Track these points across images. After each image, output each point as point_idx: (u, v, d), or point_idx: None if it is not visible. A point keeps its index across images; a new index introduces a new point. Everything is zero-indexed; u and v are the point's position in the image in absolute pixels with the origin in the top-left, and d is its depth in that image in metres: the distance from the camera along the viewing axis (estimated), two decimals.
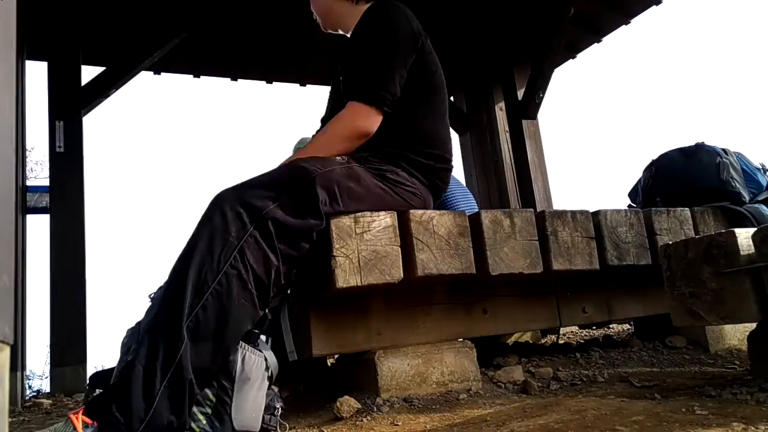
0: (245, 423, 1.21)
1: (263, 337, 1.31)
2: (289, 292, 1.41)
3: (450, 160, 1.70)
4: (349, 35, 1.73)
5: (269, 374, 1.29)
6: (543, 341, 2.86)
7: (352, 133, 1.49)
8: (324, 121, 1.86)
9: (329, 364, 2.25)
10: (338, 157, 1.45)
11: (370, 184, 1.46)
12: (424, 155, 1.59)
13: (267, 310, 1.30)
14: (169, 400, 1.09)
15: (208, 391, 1.19)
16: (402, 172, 1.55)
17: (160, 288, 1.31)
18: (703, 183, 2.16)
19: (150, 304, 1.28)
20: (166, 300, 1.17)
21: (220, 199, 1.26)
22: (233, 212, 1.23)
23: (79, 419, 1.07)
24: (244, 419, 1.21)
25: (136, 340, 1.19)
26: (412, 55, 1.56)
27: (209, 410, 1.19)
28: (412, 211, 1.50)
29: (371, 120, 1.49)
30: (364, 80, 1.50)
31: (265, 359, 1.28)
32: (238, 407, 1.20)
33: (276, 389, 1.37)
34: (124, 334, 1.27)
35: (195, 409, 1.17)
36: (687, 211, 1.97)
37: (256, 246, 1.22)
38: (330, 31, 1.81)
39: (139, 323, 1.25)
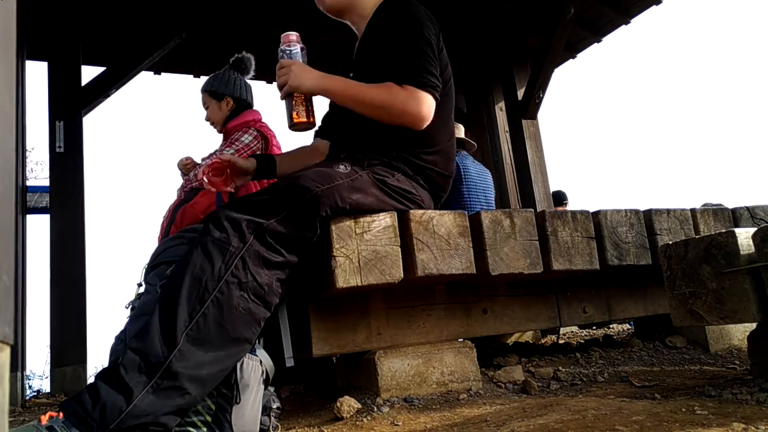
0: (245, 429, 1.21)
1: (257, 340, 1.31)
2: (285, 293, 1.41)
3: (451, 169, 1.68)
4: (358, 29, 1.69)
5: (264, 377, 1.29)
6: (543, 341, 2.86)
7: (407, 118, 1.45)
8: (320, 132, 1.85)
9: (334, 361, 2.25)
10: (341, 167, 1.43)
11: (375, 194, 1.46)
12: (425, 160, 1.57)
13: None
14: (150, 405, 1.08)
15: (207, 400, 1.18)
16: (403, 176, 1.54)
17: (139, 296, 1.31)
18: None
19: (132, 313, 1.28)
20: (162, 306, 1.16)
21: (218, 212, 1.27)
22: (232, 224, 1.24)
23: (47, 416, 1.07)
24: (244, 425, 1.21)
25: (123, 348, 1.18)
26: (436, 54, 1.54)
27: (209, 418, 1.18)
28: (412, 211, 1.50)
29: (429, 106, 1.45)
30: (416, 67, 1.45)
31: (260, 362, 1.27)
32: (238, 414, 1.20)
33: (272, 390, 1.37)
34: (113, 341, 1.26)
35: (194, 418, 1.17)
36: (687, 211, 1.97)
37: (256, 256, 1.23)
38: (330, 14, 1.71)
39: (124, 331, 1.24)
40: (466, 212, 1.60)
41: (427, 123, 1.48)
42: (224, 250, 1.20)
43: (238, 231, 1.23)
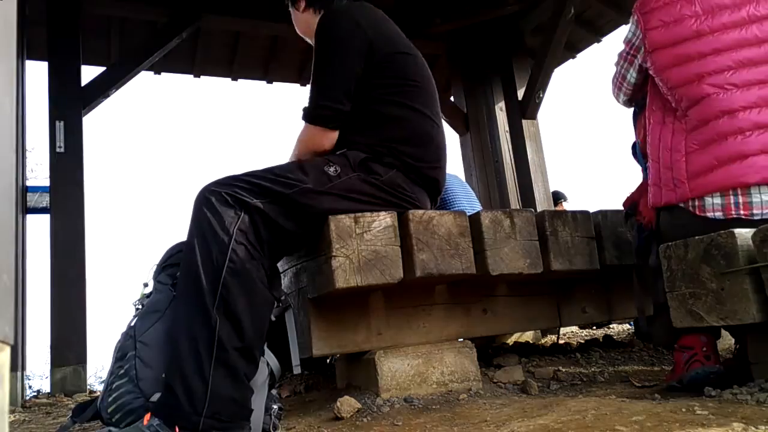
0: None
1: None
2: (287, 297, 1.42)
3: (443, 159, 1.66)
4: None
5: (269, 380, 1.29)
6: (543, 341, 2.86)
7: (309, 152, 1.56)
8: None
9: (328, 362, 2.25)
10: (331, 169, 1.45)
11: (361, 196, 1.47)
12: (413, 156, 1.54)
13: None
14: (224, 377, 1.15)
15: None
16: (396, 172, 1.52)
17: (146, 295, 1.33)
18: None
19: (140, 310, 1.29)
20: (184, 294, 1.22)
21: (206, 193, 1.30)
22: (221, 202, 1.28)
23: (145, 419, 1.12)
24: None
25: (132, 343, 1.21)
26: (362, 61, 1.54)
27: None
28: (412, 211, 1.50)
29: (323, 139, 1.55)
30: (312, 101, 1.56)
31: (267, 363, 1.28)
32: None
33: (273, 391, 1.37)
34: (119, 338, 1.27)
35: None
36: None
37: (251, 226, 1.28)
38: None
39: (132, 327, 1.25)
40: (465, 212, 1.60)
41: (329, 149, 1.56)
42: (222, 224, 1.25)
43: (230, 207, 1.28)
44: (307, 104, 1.57)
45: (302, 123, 1.59)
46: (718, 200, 1.43)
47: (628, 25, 1.69)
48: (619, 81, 1.75)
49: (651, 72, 1.60)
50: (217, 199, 1.28)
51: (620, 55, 1.72)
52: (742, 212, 1.41)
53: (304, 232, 1.41)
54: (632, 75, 1.70)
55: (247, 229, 1.27)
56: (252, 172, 1.38)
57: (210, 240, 1.23)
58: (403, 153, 1.54)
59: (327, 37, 1.57)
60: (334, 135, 1.56)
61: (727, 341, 1.99)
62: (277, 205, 1.33)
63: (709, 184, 1.43)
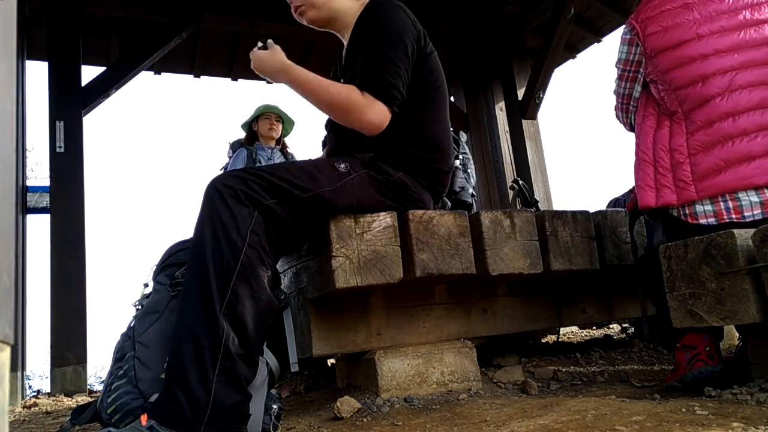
0: (248, 429, 1.21)
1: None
2: (287, 297, 1.42)
3: (449, 164, 1.66)
4: (343, 36, 1.68)
5: (269, 380, 1.29)
6: (543, 341, 2.86)
7: (361, 124, 1.45)
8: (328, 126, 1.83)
9: (329, 364, 2.25)
10: (342, 165, 1.43)
11: (372, 194, 1.46)
12: (424, 158, 1.56)
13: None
14: (226, 386, 1.13)
15: None
16: (404, 174, 1.53)
17: (146, 296, 1.32)
18: None
19: (140, 311, 1.29)
20: (191, 294, 1.18)
21: (218, 186, 1.25)
22: (234, 198, 1.23)
23: (143, 420, 1.11)
24: (248, 426, 1.21)
25: (131, 347, 1.21)
26: (414, 58, 1.53)
27: None
28: (412, 211, 1.50)
29: (382, 119, 1.45)
30: (379, 77, 1.45)
31: (267, 363, 1.28)
32: None
33: (273, 390, 1.37)
34: (119, 339, 1.27)
35: None
36: None
37: (263, 227, 1.24)
38: (314, 26, 1.70)
39: (132, 328, 1.25)
40: (465, 212, 1.60)
41: (379, 132, 1.46)
42: (236, 224, 1.21)
43: (243, 205, 1.23)
44: (372, 78, 1.45)
45: (358, 94, 1.43)
46: (708, 207, 1.47)
47: (618, 48, 1.68)
48: (625, 102, 1.75)
49: (651, 77, 1.60)
50: (229, 195, 1.23)
51: (619, 77, 1.71)
52: (734, 216, 1.44)
53: (305, 230, 1.40)
54: (638, 90, 1.70)
55: (260, 231, 1.23)
56: (264, 167, 1.34)
57: (222, 240, 1.19)
58: (413, 157, 1.54)
59: (390, 27, 1.50)
60: (388, 121, 1.47)
61: (727, 341, 1.99)
62: (288, 206, 1.30)
63: (717, 185, 1.45)
